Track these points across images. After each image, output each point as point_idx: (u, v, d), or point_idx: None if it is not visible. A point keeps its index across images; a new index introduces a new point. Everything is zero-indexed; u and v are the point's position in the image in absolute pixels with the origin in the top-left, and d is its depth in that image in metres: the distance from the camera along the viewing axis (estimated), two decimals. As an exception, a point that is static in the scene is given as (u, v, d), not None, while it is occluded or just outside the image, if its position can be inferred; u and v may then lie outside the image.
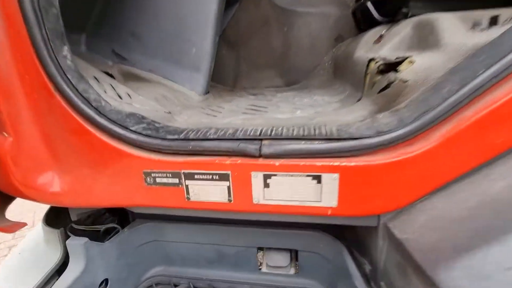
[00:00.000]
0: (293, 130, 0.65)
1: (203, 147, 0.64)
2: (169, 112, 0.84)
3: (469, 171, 0.56)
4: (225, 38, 1.52)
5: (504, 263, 0.44)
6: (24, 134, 0.66)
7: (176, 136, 0.67)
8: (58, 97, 0.64)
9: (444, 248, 0.50)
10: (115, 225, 0.92)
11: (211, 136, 0.65)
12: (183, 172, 0.65)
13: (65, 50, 0.63)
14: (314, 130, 0.64)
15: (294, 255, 0.86)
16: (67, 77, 0.62)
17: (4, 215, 0.79)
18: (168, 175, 0.64)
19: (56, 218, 0.91)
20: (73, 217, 0.83)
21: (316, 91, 1.16)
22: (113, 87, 0.76)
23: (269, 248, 0.85)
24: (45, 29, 0.59)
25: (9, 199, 0.78)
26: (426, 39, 0.65)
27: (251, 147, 0.62)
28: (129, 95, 0.79)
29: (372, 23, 1.03)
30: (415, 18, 0.75)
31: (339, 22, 1.32)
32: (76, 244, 0.74)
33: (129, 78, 1.04)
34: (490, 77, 0.50)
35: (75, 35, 1.05)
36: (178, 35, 1.06)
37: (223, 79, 1.58)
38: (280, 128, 0.67)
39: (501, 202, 0.50)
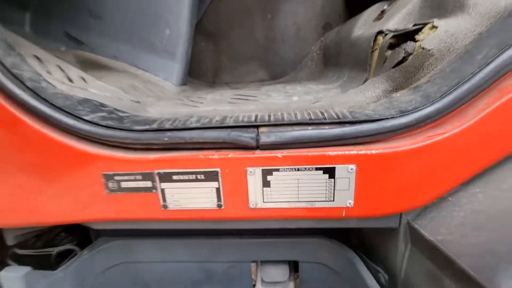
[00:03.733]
0: (295, 115, 0.52)
1: (183, 139, 0.49)
2: (138, 102, 0.68)
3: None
4: (202, 29, 1.39)
5: None
6: None
7: (146, 127, 0.52)
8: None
9: (501, 250, 0.40)
10: (72, 247, 0.74)
11: (193, 125, 0.51)
12: (158, 173, 0.50)
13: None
14: (322, 113, 0.52)
15: (293, 267, 0.77)
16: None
17: None
18: (137, 177, 0.49)
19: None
20: (10, 241, 0.63)
21: (306, 82, 1.05)
22: (61, 69, 0.59)
23: (264, 261, 0.75)
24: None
25: None
26: (444, 4, 0.56)
27: (246, 136, 0.48)
28: (83, 78, 0.62)
29: (366, 2, 0.95)
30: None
31: (327, 9, 1.25)
32: (12, 276, 0.55)
33: (88, 66, 0.86)
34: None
35: (16, 13, 0.86)
36: (148, 13, 0.90)
37: (201, 75, 1.44)
38: (279, 113, 0.54)
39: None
